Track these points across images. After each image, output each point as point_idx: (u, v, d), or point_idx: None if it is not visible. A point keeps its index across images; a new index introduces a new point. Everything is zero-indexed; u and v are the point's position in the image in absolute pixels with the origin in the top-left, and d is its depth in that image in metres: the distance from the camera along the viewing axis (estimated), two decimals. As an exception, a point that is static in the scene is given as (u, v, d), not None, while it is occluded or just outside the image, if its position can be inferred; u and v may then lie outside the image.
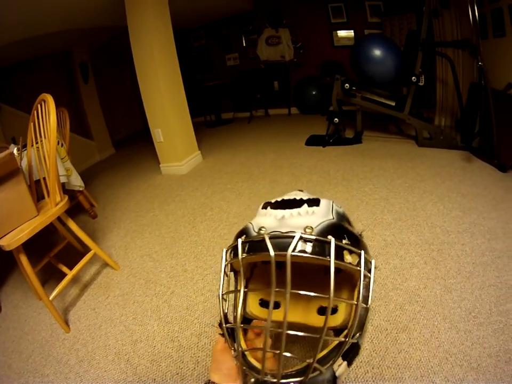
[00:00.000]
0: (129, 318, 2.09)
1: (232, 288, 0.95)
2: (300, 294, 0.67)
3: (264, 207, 0.83)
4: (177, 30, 4.48)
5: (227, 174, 4.39)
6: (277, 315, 0.93)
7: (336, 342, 0.78)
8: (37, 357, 1.89)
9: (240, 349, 0.76)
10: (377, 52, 4.24)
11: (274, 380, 0.69)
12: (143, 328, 1.99)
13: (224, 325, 0.86)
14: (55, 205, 2.07)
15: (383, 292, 2.00)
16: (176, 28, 4.49)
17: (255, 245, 0.73)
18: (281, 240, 0.69)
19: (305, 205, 0.77)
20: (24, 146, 2.63)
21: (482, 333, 1.63)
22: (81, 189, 3.43)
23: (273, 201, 0.84)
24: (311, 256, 0.67)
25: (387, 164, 3.92)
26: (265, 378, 0.70)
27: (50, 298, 1.98)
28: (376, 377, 1.49)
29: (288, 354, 0.68)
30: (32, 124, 2.07)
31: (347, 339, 0.73)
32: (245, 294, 0.95)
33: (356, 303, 0.76)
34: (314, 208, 0.77)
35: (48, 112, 1.92)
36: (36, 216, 1.98)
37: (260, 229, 0.74)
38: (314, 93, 7.05)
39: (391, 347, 1.63)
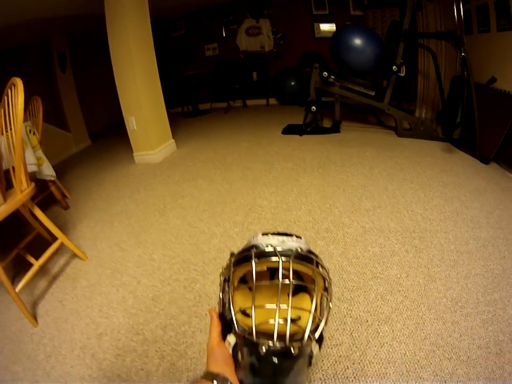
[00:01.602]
0: (95, 310, 1.99)
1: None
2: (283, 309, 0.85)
3: (265, 234, 1.03)
4: (157, 20, 4.38)
5: (200, 162, 4.29)
6: (258, 319, 0.95)
7: (314, 326, 0.89)
8: (8, 353, 1.78)
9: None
10: (357, 41, 4.16)
11: (281, 344, 0.81)
12: (108, 321, 1.89)
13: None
14: (21, 192, 2.00)
15: (362, 281, 1.87)
16: (156, 17, 4.39)
17: (266, 254, 0.93)
18: (285, 253, 0.92)
19: (294, 237, 1.01)
20: None
21: (470, 323, 1.52)
22: (52, 178, 3.28)
23: (271, 232, 1.05)
24: (303, 262, 0.91)
25: (365, 152, 3.83)
26: (277, 344, 0.81)
27: (16, 290, 1.89)
28: (358, 373, 1.35)
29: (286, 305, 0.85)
30: (2, 110, 1.96)
31: (321, 320, 0.90)
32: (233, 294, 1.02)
33: (330, 303, 0.96)
34: (300, 239, 1.01)
35: (16, 95, 1.86)
36: (1, 204, 1.89)
37: (267, 246, 0.96)
38: (293, 84, 6.97)
39: (373, 340, 1.49)
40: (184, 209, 3.06)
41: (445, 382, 1.28)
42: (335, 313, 1.66)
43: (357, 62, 4.29)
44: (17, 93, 1.84)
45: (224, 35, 7.74)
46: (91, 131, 6.87)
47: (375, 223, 2.42)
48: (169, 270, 2.24)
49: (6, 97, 1.92)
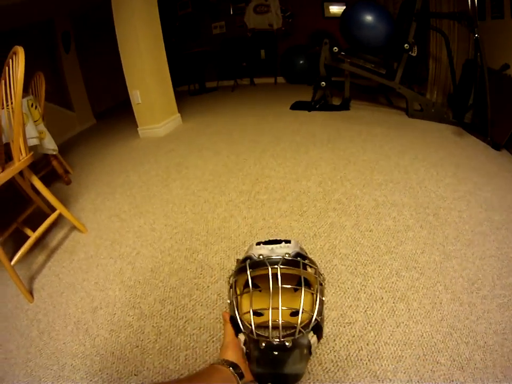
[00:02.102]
0: (91, 283, 1.94)
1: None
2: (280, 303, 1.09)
3: (258, 244, 1.29)
4: None
5: (206, 135, 4.24)
6: (263, 318, 1.25)
7: (307, 321, 1.14)
8: (2, 331, 1.73)
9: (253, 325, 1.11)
10: (368, 17, 4.08)
11: (276, 340, 1.04)
12: (104, 294, 1.83)
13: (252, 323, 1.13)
14: (18, 160, 1.96)
15: (376, 255, 1.79)
16: None
17: (258, 263, 1.17)
18: (273, 260, 1.16)
19: (283, 242, 1.26)
20: None
21: (487, 306, 1.43)
22: (54, 152, 3.24)
23: (263, 241, 1.30)
24: (290, 267, 1.15)
25: (375, 130, 3.75)
26: (273, 340, 1.05)
27: (12, 263, 1.85)
28: (372, 356, 1.26)
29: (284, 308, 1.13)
30: (3, 81, 1.90)
31: (313, 315, 1.12)
32: (238, 302, 1.26)
33: (322, 297, 1.20)
34: (288, 244, 1.26)
35: (17, 63, 1.80)
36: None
37: (259, 256, 1.20)
38: (301, 62, 6.86)
39: (388, 319, 1.41)
40: (188, 179, 3.01)
41: (462, 368, 1.19)
42: (349, 288, 1.58)
43: (367, 38, 4.20)
44: (18, 61, 1.79)
45: (231, 13, 7.62)
46: (96, 111, 6.85)
47: (388, 197, 2.35)
48: (170, 240, 2.19)
49: (7, 68, 1.87)
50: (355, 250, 1.84)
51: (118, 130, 5.34)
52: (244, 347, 1.12)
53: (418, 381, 1.16)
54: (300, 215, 2.23)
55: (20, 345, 1.60)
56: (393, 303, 1.48)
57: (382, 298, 1.51)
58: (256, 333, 1.08)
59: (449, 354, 1.24)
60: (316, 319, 1.11)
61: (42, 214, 2.51)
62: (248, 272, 1.14)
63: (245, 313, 1.17)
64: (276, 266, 1.11)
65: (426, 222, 2.04)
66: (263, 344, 1.05)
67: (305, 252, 1.32)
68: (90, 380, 1.35)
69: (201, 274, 1.83)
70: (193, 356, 1.37)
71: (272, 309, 1.07)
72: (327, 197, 2.42)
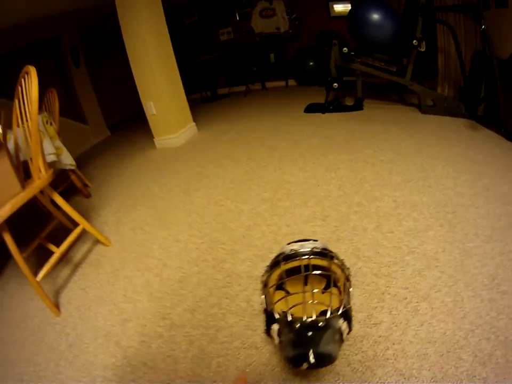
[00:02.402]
0: (119, 296, 1.98)
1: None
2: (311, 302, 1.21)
3: (289, 243, 1.40)
4: (169, 8, 4.36)
5: (223, 142, 4.28)
6: (297, 310, 1.23)
7: (337, 305, 1.21)
8: (30, 345, 1.78)
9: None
10: (375, 15, 4.13)
11: (310, 319, 1.12)
12: (132, 306, 1.87)
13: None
14: (39, 178, 1.97)
15: (399, 256, 1.84)
16: (168, 5, 4.36)
17: (290, 256, 1.29)
18: (304, 252, 1.27)
19: (312, 240, 1.37)
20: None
21: (507, 302, 1.46)
22: (72, 167, 3.31)
23: (294, 240, 1.42)
24: (318, 257, 1.25)
25: (390, 129, 3.77)
26: (307, 319, 1.13)
27: (38, 279, 1.88)
28: (398, 354, 1.31)
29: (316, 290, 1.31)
30: (16, 100, 1.95)
31: (342, 300, 1.22)
32: (271, 295, 1.35)
33: (349, 288, 1.29)
34: (316, 242, 1.37)
35: (30, 83, 1.82)
36: (20, 192, 1.86)
37: (291, 250, 1.32)
38: (311, 64, 6.87)
39: (412, 319, 1.45)
40: (209, 188, 3.05)
41: (484, 363, 1.23)
42: (373, 290, 1.64)
43: (375, 36, 4.26)
44: (31, 80, 1.81)
45: (238, 18, 7.69)
46: (109, 123, 6.94)
47: (407, 197, 2.39)
48: (196, 251, 2.22)
49: (20, 87, 1.90)
50: (378, 252, 1.88)
51: (133, 142, 5.41)
52: (276, 338, 1.20)
53: (442, 378, 1.20)
54: (322, 220, 2.27)
55: (49, 358, 1.63)
56: (417, 302, 1.53)
57: (406, 298, 1.56)
58: (291, 315, 1.15)
59: (472, 350, 1.27)
60: (344, 306, 1.19)
61: (64, 228, 2.58)
62: (282, 265, 1.26)
63: (276, 302, 1.28)
64: (307, 256, 1.23)
65: (445, 220, 2.07)
66: (298, 325, 1.12)
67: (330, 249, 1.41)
68: (122, 391, 1.40)
69: (229, 283, 1.87)
70: (225, 362, 1.41)
71: (305, 292, 1.21)
72: (348, 200, 2.46)
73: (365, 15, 4.19)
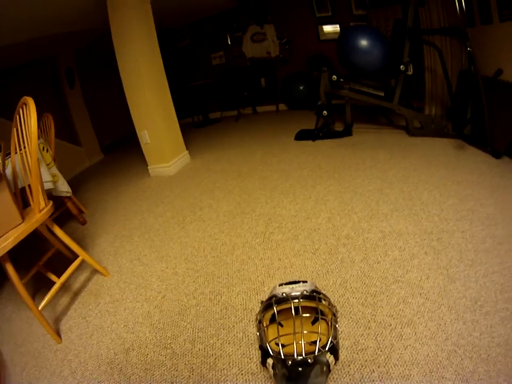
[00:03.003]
0: (121, 326, 2.02)
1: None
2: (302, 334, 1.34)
3: (280, 285, 1.53)
4: (162, 31, 4.42)
5: (216, 173, 4.33)
6: (288, 339, 1.42)
7: (325, 342, 1.36)
8: (31, 369, 1.82)
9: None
10: (363, 42, 4.20)
11: (300, 357, 1.26)
12: (134, 336, 1.92)
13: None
14: (39, 211, 2.00)
15: (384, 285, 1.92)
16: (160, 29, 4.44)
17: (282, 299, 1.42)
18: (294, 296, 1.40)
19: (301, 283, 1.50)
20: (9, 154, 2.57)
21: (489, 322, 1.57)
22: (68, 194, 3.33)
23: (284, 282, 1.54)
24: (307, 300, 1.39)
25: (379, 155, 3.86)
26: (298, 357, 1.27)
27: (39, 308, 1.92)
28: (383, 376, 1.41)
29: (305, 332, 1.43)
30: (14, 129, 2.01)
31: (329, 338, 1.37)
32: (265, 333, 1.48)
33: (335, 324, 1.47)
34: (305, 283, 1.50)
35: (29, 115, 1.86)
36: (20, 223, 1.92)
37: (282, 293, 1.45)
38: (301, 88, 7.00)
39: (397, 343, 1.55)
40: (203, 221, 3.09)
41: (467, 380, 1.32)
42: (360, 318, 1.72)
43: (365, 63, 4.33)
44: (30, 113, 1.85)
45: (229, 43, 7.78)
46: (103, 144, 6.94)
47: (394, 227, 2.46)
48: (193, 284, 2.28)
49: (17, 116, 1.95)
50: (364, 283, 1.96)
51: (127, 167, 5.45)
52: (271, 370, 1.34)
53: None
54: (312, 253, 2.33)
55: (51, 383, 1.69)
56: (401, 328, 1.62)
57: (391, 325, 1.65)
58: (283, 354, 1.30)
59: (454, 369, 1.37)
60: (331, 341, 1.34)
61: (61, 255, 2.65)
62: (275, 307, 1.39)
63: (270, 341, 1.40)
64: (297, 300, 1.38)
65: (430, 247, 2.16)
66: (290, 362, 1.26)
67: (319, 289, 1.54)
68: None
69: (226, 315, 1.93)
70: None
71: (295, 333, 1.32)
72: (337, 233, 2.52)
73: (354, 42, 4.26)
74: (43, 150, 3.03)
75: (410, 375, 1.39)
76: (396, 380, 1.38)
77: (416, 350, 1.49)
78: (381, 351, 1.53)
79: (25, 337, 2.09)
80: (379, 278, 1.98)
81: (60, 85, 6.09)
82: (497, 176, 2.89)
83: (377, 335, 1.61)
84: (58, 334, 2.03)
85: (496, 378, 1.32)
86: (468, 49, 3.31)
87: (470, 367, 1.37)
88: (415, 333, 1.58)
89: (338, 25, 6.66)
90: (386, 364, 1.46)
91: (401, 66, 4.09)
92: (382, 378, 1.40)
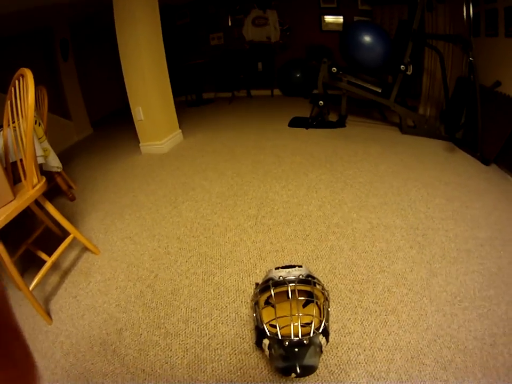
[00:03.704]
0: (113, 305, 1.99)
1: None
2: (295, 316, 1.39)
3: (277, 268, 1.59)
4: (161, 7, 4.31)
5: (208, 153, 4.32)
6: (283, 321, 1.42)
7: (317, 324, 1.42)
8: None
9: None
10: (368, 38, 4.24)
11: (297, 338, 1.32)
12: (127, 316, 1.91)
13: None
14: (32, 187, 1.93)
15: (371, 274, 2.01)
16: (160, 4, 4.34)
17: (279, 283, 1.47)
18: (291, 279, 1.46)
19: (297, 267, 1.57)
20: (0, 126, 2.49)
21: (467, 316, 1.67)
22: (59, 170, 3.27)
23: (281, 266, 1.61)
24: (303, 284, 1.44)
25: (371, 148, 3.93)
26: (294, 338, 1.32)
27: (30, 288, 1.86)
28: (368, 359, 1.50)
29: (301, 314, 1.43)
30: (9, 101, 1.91)
31: (322, 321, 1.42)
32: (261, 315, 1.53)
33: (328, 308, 1.51)
34: (301, 268, 1.56)
35: (26, 88, 1.76)
36: (12, 200, 1.83)
37: (279, 277, 1.50)
38: (298, 75, 7.00)
39: (381, 329, 1.64)
40: (196, 201, 3.10)
41: (445, 368, 1.43)
42: (347, 304, 1.80)
43: (366, 59, 4.38)
44: (27, 85, 1.74)
45: (230, 24, 7.69)
46: (92, 119, 6.76)
47: (382, 220, 2.54)
48: (186, 264, 2.28)
49: (13, 88, 1.84)
50: (352, 271, 2.04)
51: (117, 143, 5.35)
52: (267, 350, 1.39)
53: (408, 379, 1.40)
54: (303, 239, 2.41)
55: (44, 367, 1.64)
56: (385, 315, 1.71)
57: (376, 311, 1.74)
58: (280, 334, 1.35)
59: (434, 357, 1.48)
60: (324, 324, 1.41)
61: (50, 232, 2.63)
62: (272, 290, 1.44)
63: (267, 322, 1.45)
64: (293, 283, 1.43)
65: (415, 242, 2.25)
66: (287, 343, 1.32)
67: (313, 274, 1.58)
68: (124, 397, 1.47)
69: (218, 295, 1.97)
70: (219, 367, 1.54)
71: (292, 315, 1.36)
72: (327, 221, 2.59)
73: (358, 38, 4.29)
74: (35, 123, 2.92)
75: (394, 359, 1.48)
76: (380, 363, 1.47)
77: (399, 337, 1.58)
78: (366, 335, 1.62)
79: (15, 320, 2.06)
80: (366, 267, 2.07)
81: (53, 57, 5.86)
82: (484, 181, 2.99)
83: (363, 320, 1.70)
84: (49, 315, 1.98)
85: (472, 368, 1.42)
86: (470, 58, 3.36)
87: (448, 356, 1.48)
88: (399, 320, 1.67)
89: (342, 17, 6.68)
90: (371, 347, 1.55)
91: (402, 66, 4.14)
92: (367, 361, 1.49)
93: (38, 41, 5.69)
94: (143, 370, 1.57)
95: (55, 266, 2.38)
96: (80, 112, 6.38)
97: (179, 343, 1.69)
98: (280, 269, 1.59)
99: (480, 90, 3.42)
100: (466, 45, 3.43)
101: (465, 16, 3.76)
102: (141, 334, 1.77)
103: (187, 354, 1.63)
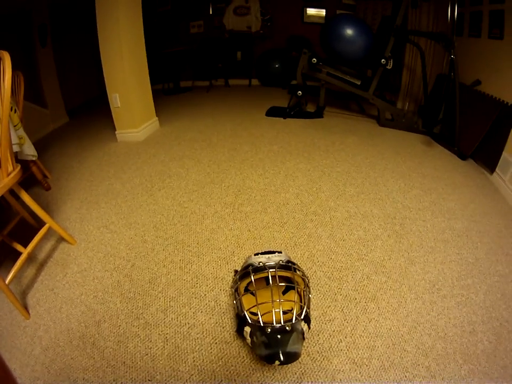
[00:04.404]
0: (90, 297, 1.93)
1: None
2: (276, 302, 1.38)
3: (256, 254, 1.58)
4: None
5: (185, 141, 4.27)
6: (266, 317, 1.40)
7: (298, 311, 1.41)
8: (1, 350, 1.67)
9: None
10: (349, 31, 4.23)
11: (279, 324, 1.31)
12: (105, 307, 1.85)
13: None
14: (7, 175, 1.83)
15: (349, 261, 2.01)
16: None
17: (259, 268, 1.47)
18: (271, 265, 1.46)
19: (276, 253, 1.57)
20: None
21: (446, 304, 1.70)
22: (34, 158, 3.12)
23: (260, 252, 1.60)
24: (283, 270, 1.44)
25: (348, 139, 3.94)
26: (276, 325, 1.31)
27: (6, 282, 1.77)
28: (350, 346, 1.50)
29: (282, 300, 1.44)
30: None
31: (303, 307, 1.41)
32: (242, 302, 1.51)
33: (309, 294, 1.51)
34: (280, 253, 1.57)
35: (3, 71, 1.68)
36: None
37: (259, 263, 1.50)
38: (277, 66, 6.99)
39: (362, 316, 1.64)
40: (172, 189, 3.06)
41: (426, 355, 1.44)
42: (327, 291, 1.80)
43: (347, 51, 4.36)
44: (5, 68, 1.67)
45: (211, 13, 7.59)
46: (68, 107, 6.52)
47: (359, 208, 2.55)
48: (163, 252, 2.24)
49: None
50: (331, 258, 2.04)
51: (93, 131, 5.22)
52: (249, 338, 1.38)
53: (389, 366, 1.40)
54: (280, 226, 2.40)
55: (23, 364, 1.58)
56: (365, 302, 1.71)
57: (356, 298, 1.74)
58: (262, 321, 1.33)
59: (415, 343, 1.49)
60: (306, 310, 1.39)
61: (24, 222, 2.49)
62: (252, 276, 1.43)
63: (248, 309, 1.43)
64: (273, 269, 1.42)
65: (393, 231, 2.27)
66: (269, 330, 1.31)
67: (292, 260, 1.58)
68: (106, 391, 1.43)
69: (197, 283, 1.94)
70: (200, 357, 1.51)
71: (273, 301, 1.35)
72: (305, 209, 2.59)
73: (340, 30, 4.28)
74: (11, 110, 2.75)
75: (375, 346, 1.48)
76: (362, 350, 1.47)
77: (380, 324, 1.59)
78: (347, 322, 1.61)
79: (-9, 316, 1.91)
80: (344, 255, 2.07)
81: (31, 42, 5.60)
82: (460, 175, 3.03)
83: (343, 307, 1.70)
84: (26, 309, 1.89)
85: (453, 355, 1.43)
86: (452, 56, 3.40)
87: (429, 342, 1.49)
88: (378, 307, 1.68)
89: (324, 10, 6.67)
90: (352, 334, 1.55)
91: (382, 60, 4.15)
92: (349, 348, 1.49)
93: (15, 26, 5.46)
94: (124, 362, 1.54)
95: (31, 258, 2.30)
96: (57, 100, 6.15)
97: (158, 334, 1.66)
98: (259, 255, 1.58)
99: (460, 87, 3.47)
100: (449, 43, 3.46)
101: (449, 16, 3.79)
102: (120, 326, 1.73)
103: (167, 345, 1.60)
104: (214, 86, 7.74)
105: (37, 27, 5.50)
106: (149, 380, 1.44)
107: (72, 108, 6.67)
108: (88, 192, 3.15)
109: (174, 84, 7.74)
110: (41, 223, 2.23)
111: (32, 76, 5.61)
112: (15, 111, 2.89)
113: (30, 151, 3.00)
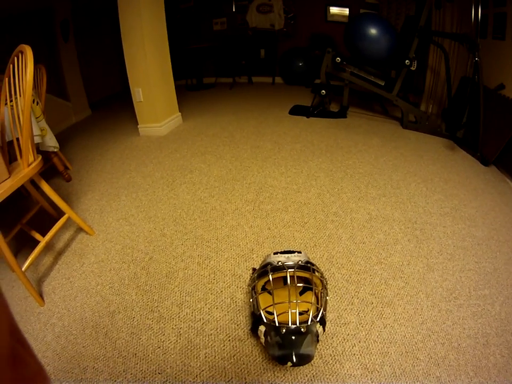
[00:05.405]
0: (106, 287, 1.96)
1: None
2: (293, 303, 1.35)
3: (276, 253, 1.56)
4: None
5: (208, 137, 4.28)
6: (281, 317, 1.39)
7: (315, 313, 1.38)
8: None
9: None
10: (373, 30, 4.20)
11: (294, 326, 1.30)
12: (120, 298, 1.88)
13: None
14: (28, 166, 1.89)
15: (368, 265, 2.01)
16: None
17: (277, 268, 1.45)
18: (290, 265, 1.44)
19: (296, 252, 1.54)
20: None
21: (462, 314, 1.67)
22: (55, 150, 3.18)
23: (279, 251, 1.58)
24: (302, 271, 1.41)
25: (371, 141, 3.92)
26: (292, 326, 1.30)
27: (23, 269, 1.81)
28: (363, 351, 1.49)
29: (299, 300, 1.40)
30: (6, 79, 1.83)
31: (320, 309, 1.39)
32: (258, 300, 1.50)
33: (326, 296, 1.48)
34: (300, 254, 1.54)
35: (25, 64, 1.71)
36: (7, 179, 1.79)
37: (278, 262, 1.48)
38: (300, 64, 6.94)
39: (377, 321, 1.64)
40: (193, 184, 3.08)
41: (438, 365, 1.43)
42: (344, 293, 1.80)
43: (371, 51, 4.34)
44: (26, 62, 1.70)
45: (234, 10, 7.60)
46: (91, 101, 6.64)
47: (380, 211, 2.54)
48: (182, 246, 2.26)
49: (11, 65, 1.79)
50: (350, 261, 2.04)
51: (115, 125, 5.27)
52: (263, 337, 1.38)
53: (401, 374, 1.39)
54: (301, 226, 2.40)
55: (35, 349, 1.51)
56: (382, 307, 1.71)
57: (372, 303, 1.74)
58: (278, 321, 1.33)
59: (428, 352, 1.48)
60: (322, 312, 1.38)
61: (44, 212, 2.56)
62: (270, 275, 1.41)
63: (264, 309, 1.41)
64: (292, 269, 1.40)
65: (413, 236, 2.25)
66: (284, 330, 1.30)
67: (311, 260, 1.55)
68: (114, 381, 1.44)
69: (214, 279, 1.95)
70: (212, 353, 1.52)
71: (290, 302, 1.33)
72: (326, 209, 2.58)
73: (364, 29, 4.26)
74: (33, 102, 2.82)
75: (388, 352, 1.48)
76: (375, 356, 1.47)
77: (394, 330, 1.58)
78: (362, 326, 1.61)
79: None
80: (363, 258, 2.07)
81: (53, 37, 5.72)
82: (482, 182, 2.99)
83: (359, 311, 1.70)
84: (41, 296, 1.94)
85: (465, 367, 1.42)
86: (476, 59, 3.34)
87: (442, 352, 1.48)
88: (394, 313, 1.67)
89: (347, 9, 6.61)
90: (366, 339, 1.55)
91: (406, 61, 4.11)
92: (362, 352, 1.49)
93: (39, 22, 5.57)
94: (135, 354, 1.55)
95: (48, 247, 2.34)
96: (79, 93, 6.28)
97: (172, 328, 1.67)
98: (279, 254, 1.56)
99: (484, 91, 3.40)
100: (473, 45, 3.40)
101: (473, 17, 3.72)
102: (134, 317, 1.75)
103: (180, 339, 1.61)
104: (237, 83, 7.74)
105: (59, 23, 5.62)
106: (159, 373, 1.46)
107: (94, 102, 6.76)
108: (109, 185, 3.20)
109: (197, 80, 7.76)
110: (60, 213, 2.27)
111: (55, 70, 5.73)
112: (37, 103, 2.95)
113: (51, 143, 3.06)
